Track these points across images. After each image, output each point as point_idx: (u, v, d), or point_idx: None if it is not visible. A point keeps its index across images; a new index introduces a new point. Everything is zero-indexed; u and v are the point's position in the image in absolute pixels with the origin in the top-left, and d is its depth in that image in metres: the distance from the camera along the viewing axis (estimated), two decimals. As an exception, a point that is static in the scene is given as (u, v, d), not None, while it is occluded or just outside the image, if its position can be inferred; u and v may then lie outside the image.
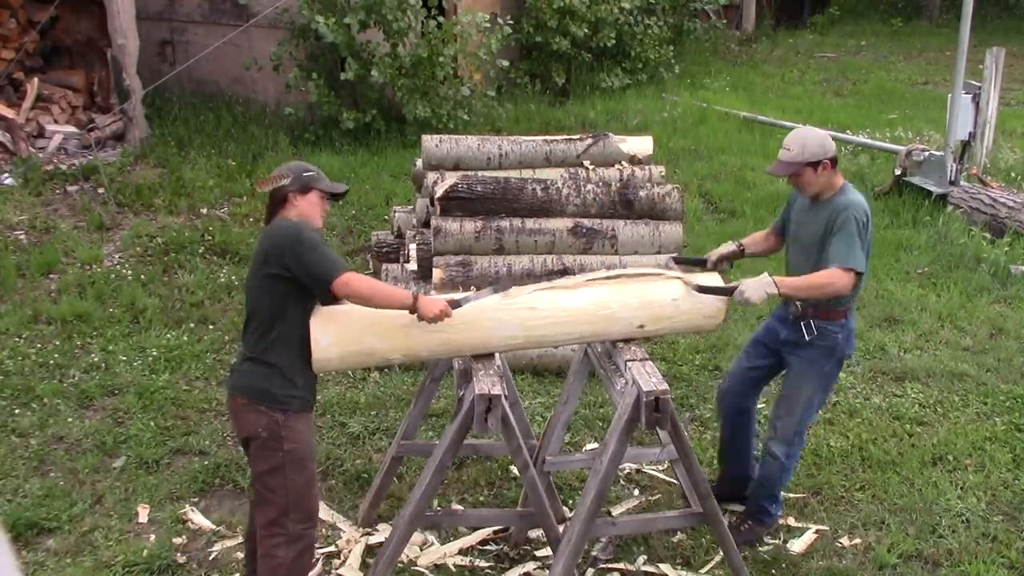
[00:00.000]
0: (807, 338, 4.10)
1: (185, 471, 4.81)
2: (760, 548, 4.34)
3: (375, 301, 3.47)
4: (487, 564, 4.23)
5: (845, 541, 4.40)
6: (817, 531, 4.45)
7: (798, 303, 4.08)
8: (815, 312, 4.09)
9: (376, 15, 9.53)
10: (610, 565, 4.22)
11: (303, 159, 9.38)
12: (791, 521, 4.54)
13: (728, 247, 4.33)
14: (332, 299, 3.50)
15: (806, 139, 4.02)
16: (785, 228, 4.34)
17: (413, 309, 3.47)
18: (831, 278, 3.88)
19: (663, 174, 6.72)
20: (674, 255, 4.22)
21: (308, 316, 3.49)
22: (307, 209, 3.59)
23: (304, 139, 9.96)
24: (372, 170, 9.26)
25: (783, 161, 4.04)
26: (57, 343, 6.09)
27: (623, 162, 6.61)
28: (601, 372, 3.94)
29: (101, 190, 8.45)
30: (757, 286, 3.82)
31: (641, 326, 3.80)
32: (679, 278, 3.88)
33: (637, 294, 3.80)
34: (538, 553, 4.28)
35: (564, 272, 5.89)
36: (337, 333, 3.48)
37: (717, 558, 4.22)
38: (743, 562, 3.97)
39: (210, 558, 4.21)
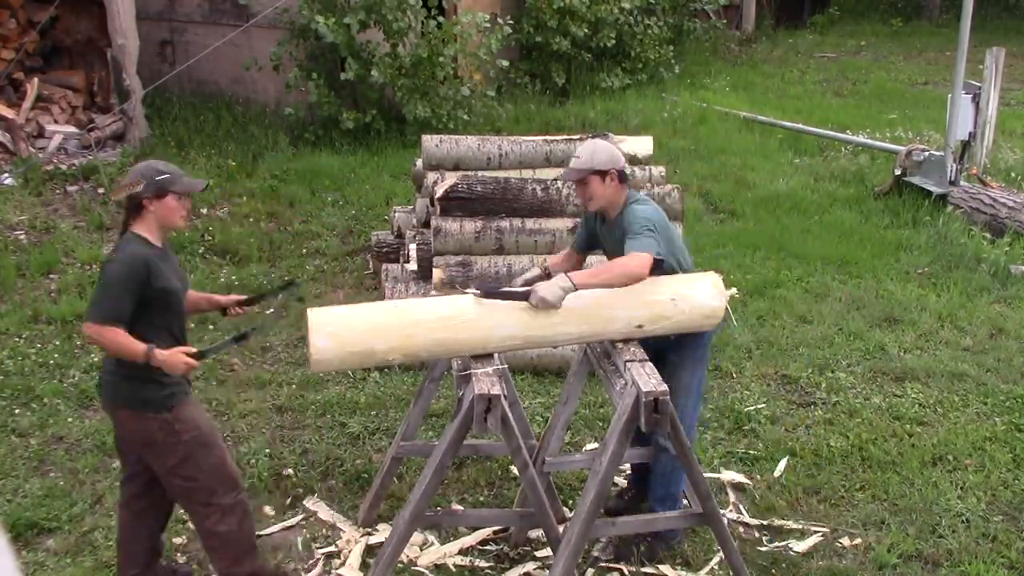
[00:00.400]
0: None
1: (185, 471, 4.80)
2: (761, 548, 4.34)
3: (109, 352, 3.48)
4: (487, 564, 4.23)
5: (845, 541, 4.40)
6: (822, 534, 4.44)
7: None
8: None
9: (376, 15, 9.53)
10: (610, 565, 4.22)
11: (303, 159, 9.40)
12: (792, 523, 4.54)
13: (533, 272, 4.26)
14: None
15: (596, 149, 4.02)
16: (588, 245, 4.30)
17: (146, 359, 3.40)
18: (623, 262, 3.75)
19: (663, 174, 6.73)
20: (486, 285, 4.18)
21: (158, 322, 3.49)
22: (164, 213, 3.55)
23: (304, 139, 9.96)
24: (372, 170, 9.26)
25: (572, 167, 4.04)
26: (57, 343, 6.09)
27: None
28: (601, 373, 3.94)
29: (101, 190, 8.45)
30: (550, 284, 3.69)
31: (640, 326, 3.81)
32: (470, 292, 3.75)
33: (636, 294, 3.81)
34: (538, 553, 4.28)
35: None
36: (336, 334, 3.48)
37: (717, 558, 4.22)
38: (743, 562, 3.97)
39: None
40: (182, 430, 3.54)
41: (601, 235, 4.21)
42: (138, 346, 3.41)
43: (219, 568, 3.74)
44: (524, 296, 3.71)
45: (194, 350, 3.54)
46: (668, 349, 4.10)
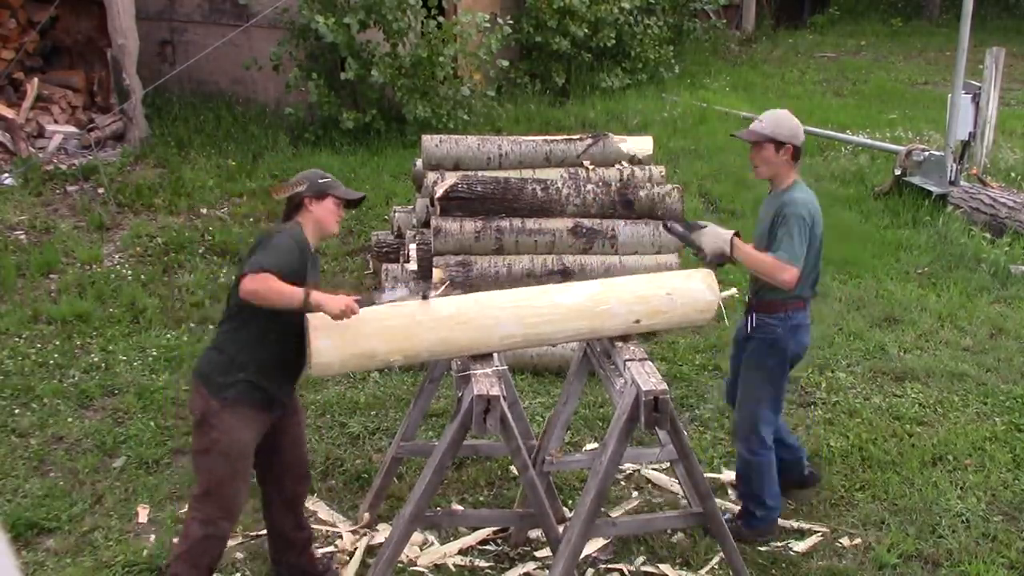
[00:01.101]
0: (748, 331, 4.19)
1: (185, 471, 4.80)
2: (761, 548, 4.34)
3: (269, 299, 3.38)
4: (487, 564, 4.23)
5: (845, 541, 4.40)
6: (822, 534, 4.44)
7: (748, 294, 4.21)
8: (757, 304, 4.17)
9: (376, 15, 9.53)
10: (610, 565, 4.22)
11: (303, 159, 9.40)
12: (793, 523, 4.54)
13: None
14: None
15: (780, 119, 4.13)
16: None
17: (305, 305, 3.39)
18: (776, 266, 3.94)
19: (663, 174, 6.73)
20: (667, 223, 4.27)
21: (267, 312, 3.45)
22: (322, 215, 3.66)
23: (304, 139, 9.96)
24: (372, 170, 9.26)
25: (752, 129, 4.14)
26: (57, 343, 6.09)
27: (623, 162, 6.61)
28: (601, 372, 3.95)
29: (101, 190, 8.45)
30: (714, 238, 3.94)
31: (637, 321, 3.82)
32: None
33: (633, 290, 3.83)
34: (538, 553, 4.28)
35: (564, 272, 5.89)
36: (337, 336, 3.47)
37: (717, 558, 4.22)
38: (743, 562, 3.97)
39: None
40: (216, 425, 3.54)
41: (762, 207, 4.31)
42: (295, 288, 3.40)
43: (175, 550, 3.74)
44: (693, 228, 4.02)
45: (359, 296, 3.55)
46: (744, 350, 4.26)
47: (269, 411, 3.66)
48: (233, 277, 3.68)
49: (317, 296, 3.40)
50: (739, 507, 4.51)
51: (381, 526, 4.43)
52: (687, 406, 5.53)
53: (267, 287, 3.36)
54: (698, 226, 4.07)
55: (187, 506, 3.73)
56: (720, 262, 4.05)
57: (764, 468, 4.30)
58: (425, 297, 3.65)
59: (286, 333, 3.55)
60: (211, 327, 6.34)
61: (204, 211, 8.26)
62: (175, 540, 3.81)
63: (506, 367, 3.89)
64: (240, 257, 7.42)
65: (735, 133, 4.36)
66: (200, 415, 3.58)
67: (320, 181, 3.68)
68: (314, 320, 3.48)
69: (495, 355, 3.77)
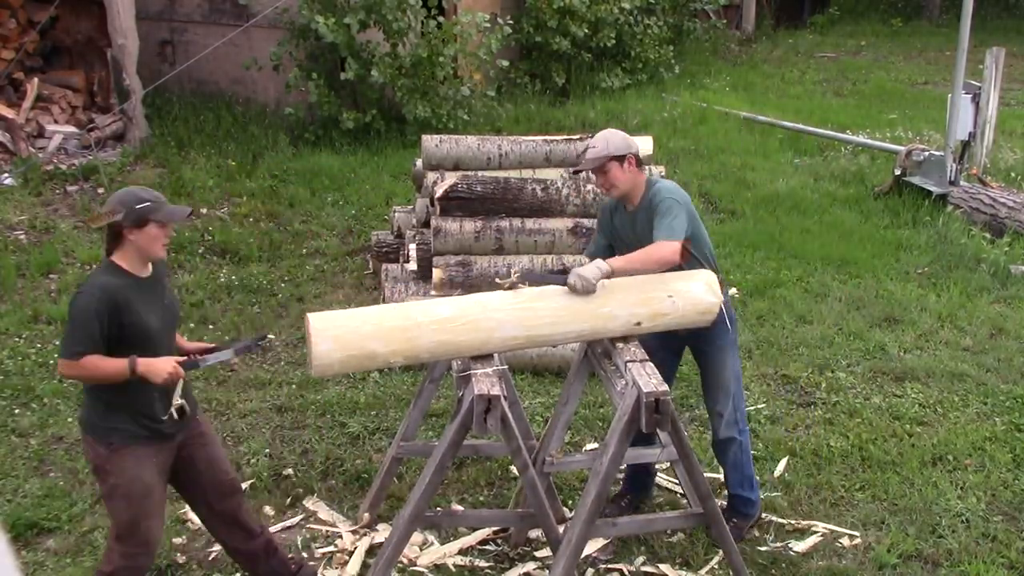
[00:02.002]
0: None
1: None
2: (761, 548, 4.34)
3: (95, 380, 3.35)
4: (487, 564, 4.23)
5: (845, 541, 4.40)
6: (823, 534, 4.44)
7: None
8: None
9: (376, 15, 9.53)
10: (610, 565, 4.22)
11: (303, 159, 9.40)
12: (793, 522, 4.54)
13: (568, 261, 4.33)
14: None
15: (609, 136, 4.08)
16: (608, 248, 4.26)
17: (132, 372, 3.31)
18: (655, 248, 3.85)
19: (663, 174, 6.73)
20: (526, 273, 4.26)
21: (135, 353, 3.35)
22: (145, 243, 3.41)
23: (304, 139, 9.97)
24: (372, 170, 9.26)
25: (589, 157, 4.08)
26: (57, 343, 6.08)
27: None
28: (601, 373, 3.95)
29: (101, 190, 8.45)
30: (589, 266, 3.79)
31: (639, 323, 3.82)
32: (513, 280, 3.88)
33: (634, 292, 3.82)
34: (538, 553, 4.28)
35: (564, 272, 5.89)
36: (337, 338, 3.47)
37: (717, 558, 4.23)
38: (743, 562, 3.97)
39: (210, 558, 4.22)
40: (111, 470, 3.44)
41: (621, 228, 4.21)
42: (117, 363, 3.30)
43: (101, 567, 3.65)
44: (562, 280, 3.79)
45: (183, 359, 3.44)
46: (699, 341, 4.21)
47: (162, 443, 3.54)
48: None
49: (141, 366, 3.31)
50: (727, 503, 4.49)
51: (381, 526, 4.43)
52: (687, 406, 5.53)
53: (86, 372, 3.32)
54: (562, 272, 3.91)
55: (108, 536, 3.65)
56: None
57: (748, 446, 4.39)
58: (239, 353, 3.57)
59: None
60: (211, 327, 6.36)
61: (204, 211, 8.26)
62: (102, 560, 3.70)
63: (506, 367, 3.89)
64: (240, 257, 7.44)
65: (576, 168, 4.33)
66: (93, 464, 3.50)
67: (138, 208, 3.36)
68: (315, 322, 3.48)
69: (495, 355, 3.77)
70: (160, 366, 3.35)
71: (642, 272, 3.88)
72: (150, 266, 3.51)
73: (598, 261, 3.82)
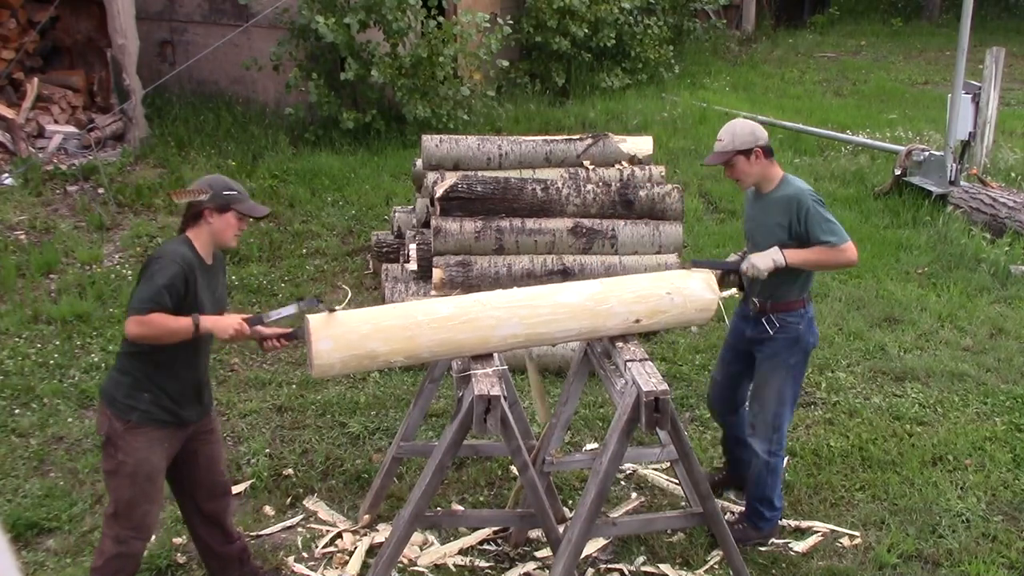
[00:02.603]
0: (770, 332, 4.14)
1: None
2: (761, 548, 4.34)
3: (161, 340, 3.37)
4: (487, 564, 4.23)
5: (845, 541, 4.40)
6: (823, 534, 4.44)
7: (755, 300, 4.16)
8: (773, 306, 4.15)
9: (376, 15, 9.53)
10: (610, 565, 4.22)
11: (303, 159, 9.40)
12: (792, 522, 4.54)
13: (733, 257, 4.35)
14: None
15: (736, 129, 4.11)
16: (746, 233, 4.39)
17: (197, 332, 3.36)
18: (839, 252, 3.99)
19: (663, 174, 6.73)
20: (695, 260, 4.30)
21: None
22: (221, 228, 3.51)
23: (304, 139, 9.96)
24: (372, 170, 9.26)
25: (716, 151, 4.12)
26: (57, 343, 6.09)
27: (623, 162, 6.61)
28: (601, 372, 3.95)
29: (101, 190, 8.45)
30: (764, 255, 3.94)
31: (637, 321, 3.82)
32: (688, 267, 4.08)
33: (633, 289, 3.83)
34: (538, 553, 4.28)
35: (564, 272, 5.89)
36: (338, 337, 3.47)
37: (717, 558, 4.23)
38: (743, 562, 3.97)
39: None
40: (122, 447, 3.46)
41: (749, 210, 4.29)
42: (182, 320, 3.35)
43: (93, 563, 3.68)
44: (735, 265, 4.00)
45: (248, 316, 3.49)
46: (761, 352, 4.24)
47: (177, 430, 3.57)
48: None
49: (207, 322, 3.38)
50: (742, 508, 4.50)
51: (381, 526, 4.43)
52: (687, 406, 5.53)
53: (153, 328, 3.34)
54: (735, 263, 4.12)
55: (102, 522, 3.66)
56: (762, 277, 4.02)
57: (779, 468, 4.34)
58: (302, 308, 3.54)
59: (188, 356, 3.50)
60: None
61: (204, 211, 8.25)
62: (95, 555, 3.70)
63: (506, 367, 3.89)
64: (240, 257, 7.43)
65: (705, 162, 4.40)
66: (106, 436, 3.50)
67: (225, 193, 3.47)
68: (315, 322, 3.48)
69: (495, 355, 3.77)
70: (226, 322, 3.42)
71: (817, 269, 4.11)
72: (213, 256, 3.58)
73: (775, 251, 3.96)
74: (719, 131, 4.17)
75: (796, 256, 3.96)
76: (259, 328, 3.57)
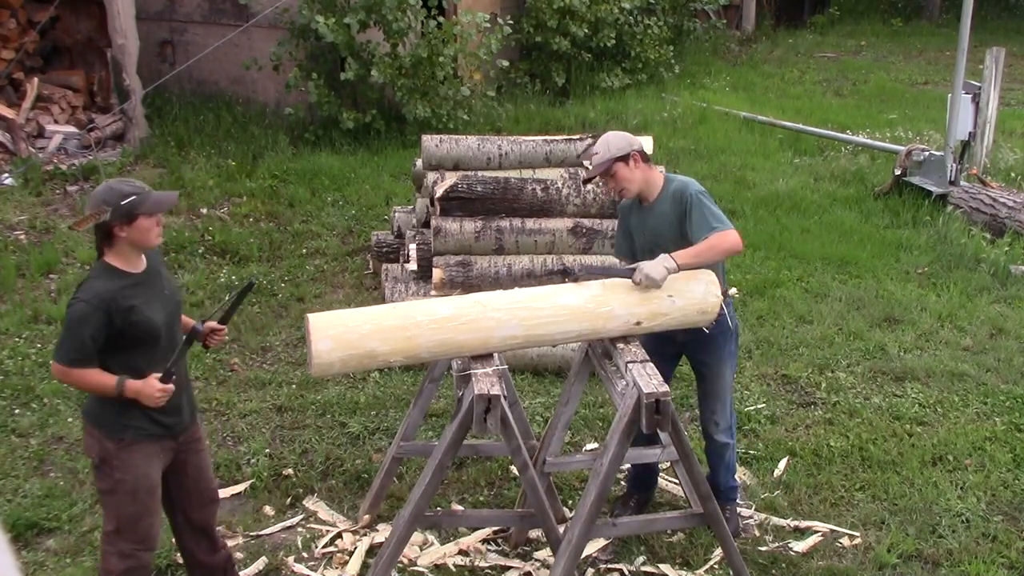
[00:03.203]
0: (707, 331, 4.05)
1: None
2: (761, 548, 4.34)
3: (85, 390, 3.37)
4: (487, 564, 4.23)
5: (845, 541, 4.40)
6: (823, 534, 4.44)
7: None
8: None
9: (376, 15, 9.53)
10: (610, 565, 4.22)
11: (303, 159, 9.40)
12: (792, 522, 4.54)
13: (621, 265, 4.30)
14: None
15: (609, 139, 4.08)
16: (631, 249, 4.26)
17: (120, 394, 3.30)
18: (718, 238, 3.86)
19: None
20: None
21: (133, 357, 3.35)
22: (137, 237, 3.32)
23: (304, 139, 9.96)
24: (372, 170, 9.26)
25: (594, 164, 4.07)
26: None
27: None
28: (602, 373, 3.95)
29: (101, 190, 8.44)
30: (655, 264, 3.78)
31: (638, 323, 3.82)
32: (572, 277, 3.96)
33: (635, 292, 3.82)
34: (538, 553, 4.28)
35: (565, 272, 5.89)
36: (337, 337, 3.47)
37: (716, 558, 4.23)
38: (743, 562, 3.97)
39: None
40: (118, 466, 3.41)
41: (638, 223, 4.20)
42: (108, 380, 3.27)
43: None
44: (628, 273, 3.82)
45: (160, 372, 3.35)
46: (704, 352, 4.21)
47: (169, 441, 3.53)
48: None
49: (130, 389, 3.30)
50: (743, 510, 4.52)
51: (381, 526, 4.43)
52: (687, 406, 5.52)
53: (75, 382, 3.31)
54: (628, 270, 3.90)
55: (101, 540, 3.60)
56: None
57: (734, 448, 4.51)
58: (233, 308, 3.52)
59: (140, 373, 3.40)
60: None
61: (204, 211, 8.26)
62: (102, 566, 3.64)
63: (506, 367, 3.89)
64: (240, 257, 7.43)
65: (586, 179, 4.36)
66: (99, 458, 3.43)
67: (123, 203, 3.25)
68: (314, 321, 3.48)
69: (495, 355, 3.77)
70: (148, 390, 3.31)
71: (707, 264, 3.91)
72: (144, 259, 3.44)
73: (663, 258, 3.79)
74: (593, 148, 4.12)
75: (685, 257, 3.84)
76: (198, 331, 3.50)
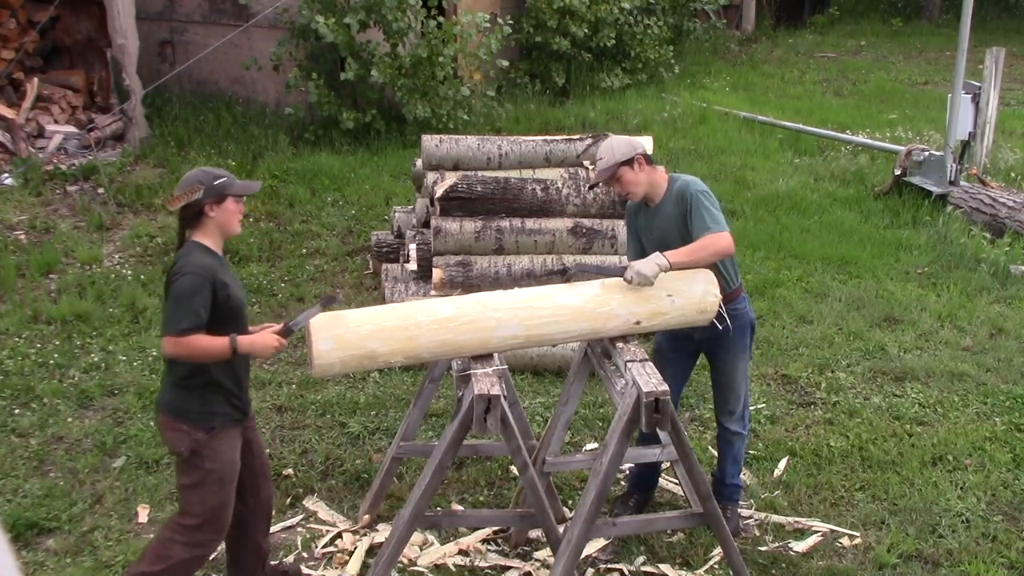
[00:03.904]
0: (724, 326, 4.07)
1: (185, 471, 4.81)
2: (761, 548, 4.34)
3: (197, 359, 3.39)
4: (487, 564, 4.23)
5: (845, 541, 4.40)
6: (823, 534, 4.44)
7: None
8: (722, 301, 4.11)
9: (376, 15, 9.53)
10: (610, 565, 4.22)
11: (303, 159, 9.40)
12: (792, 520, 4.54)
13: (616, 263, 4.35)
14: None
15: (613, 144, 4.10)
16: (642, 251, 4.24)
17: (234, 353, 3.38)
18: (710, 239, 3.90)
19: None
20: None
21: (231, 326, 3.44)
22: (225, 218, 3.49)
23: (304, 139, 9.96)
24: (372, 170, 9.26)
25: (599, 169, 4.10)
26: (57, 343, 6.09)
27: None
28: (601, 373, 3.95)
29: (101, 190, 8.45)
30: (647, 261, 3.81)
31: (638, 322, 3.83)
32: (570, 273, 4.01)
33: (634, 291, 3.82)
34: (538, 553, 4.28)
35: (564, 272, 5.89)
36: (338, 338, 3.47)
37: (716, 558, 4.23)
38: (743, 562, 3.97)
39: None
40: (208, 455, 3.47)
41: (645, 225, 4.22)
42: (219, 341, 3.36)
43: (136, 567, 3.64)
44: (620, 272, 3.85)
45: (279, 326, 3.49)
46: (720, 347, 4.24)
47: (242, 424, 3.62)
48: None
49: (243, 343, 3.39)
50: (743, 510, 4.52)
51: (381, 526, 4.43)
52: (687, 406, 5.53)
53: (189, 350, 3.34)
54: (620, 269, 3.96)
55: (166, 528, 3.63)
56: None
57: (744, 441, 4.54)
58: (323, 307, 3.53)
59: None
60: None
61: (204, 211, 8.25)
62: (148, 553, 3.65)
63: (506, 367, 3.89)
64: (240, 257, 7.43)
65: (591, 182, 4.38)
66: (189, 450, 3.47)
67: (216, 183, 3.44)
68: (315, 322, 3.48)
69: (495, 355, 3.77)
70: (265, 341, 3.43)
71: (699, 264, 3.92)
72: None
73: (656, 256, 3.83)
74: (597, 153, 4.14)
75: (677, 256, 3.86)
76: (334, 298, 3.65)
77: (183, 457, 3.50)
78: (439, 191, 5.98)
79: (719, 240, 3.90)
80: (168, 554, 3.56)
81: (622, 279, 3.81)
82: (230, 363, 3.47)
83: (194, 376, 3.46)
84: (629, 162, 4.04)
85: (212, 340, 3.36)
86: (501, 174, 6.32)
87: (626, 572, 4.19)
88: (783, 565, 4.23)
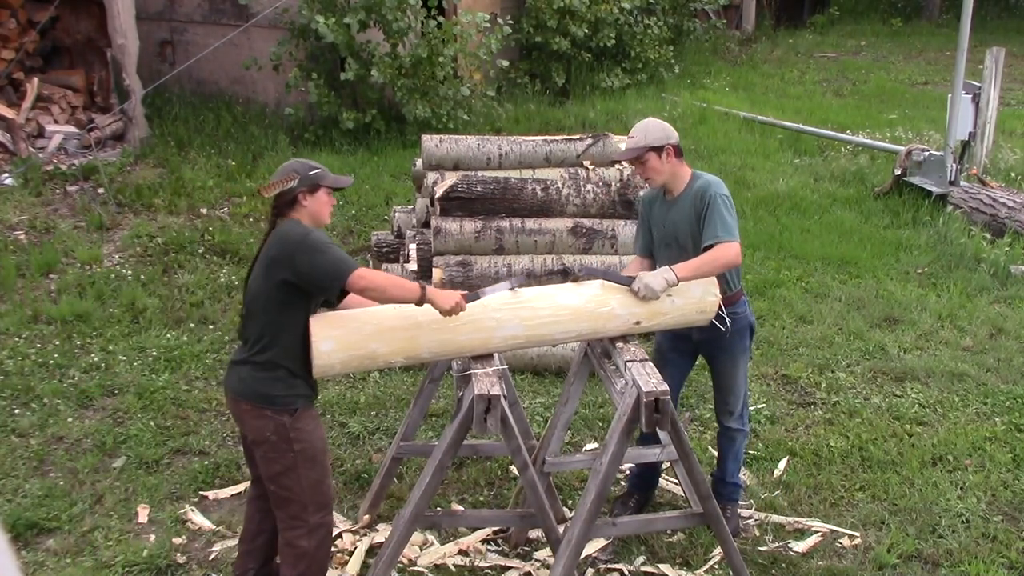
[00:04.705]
0: (723, 329, 4.09)
1: (185, 471, 4.81)
2: (761, 548, 4.34)
3: (389, 293, 3.47)
4: (487, 564, 4.23)
5: (845, 541, 4.40)
6: (823, 534, 4.44)
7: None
8: (722, 304, 4.12)
9: (376, 15, 9.53)
10: (610, 565, 4.22)
11: (303, 159, 9.40)
12: (792, 520, 4.54)
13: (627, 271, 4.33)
14: (339, 299, 3.57)
15: (649, 126, 4.07)
16: (651, 244, 4.28)
17: (422, 301, 3.47)
18: (720, 251, 3.89)
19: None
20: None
21: (308, 318, 3.49)
22: (317, 208, 3.58)
23: (304, 139, 9.97)
24: (372, 170, 9.26)
25: (628, 147, 4.08)
26: (57, 343, 6.09)
27: (623, 162, 6.60)
28: (601, 373, 3.95)
29: (101, 190, 8.45)
30: (656, 275, 3.83)
31: (638, 322, 3.83)
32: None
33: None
34: (538, 553, 4.28)
35: (564, 272, 5.89)
36: (339, 338, 3.47)
37: (716, 558, 4.23)
38: (743, 562, 3.97)
39: (210, 558, 4.21)
40: (295, 438, 3.50)
41: (659, 215, 4.19)
42: (414, 284, 3.47)
43: (285, 574, 3.69)
44: (628, 282, 3.85)
45: (465, 292, 3.59)
46: (719, 349, 4.23)
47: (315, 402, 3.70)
48: (247, 287, 3.59)
49: (432, 292, 3.49)
50: (744, 510, 4.52)
51: (381, 526, 4.43)
52: (687, 406, 5.53)
53: (388, 282, 3.46)
54: (628, 279, 3.93)
55: (280, 537, 3.65)
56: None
57: (745, 438, 4.55)
58: (513, 286, 3.70)
59: (307, 341, 3.53)
60: (211, 327, 6.34)
61: (204, 211, 8.26)
62: (283, 566, 3.67)
63: (506, 367, 3.89)
64: (241, 257, 7.43)
65: (617, 157, 4.34)
66: (276, 436, 3.49)
67: (311, 173, 3.56)
68: (315, 322, 3.48)
69: (495, 355, 3.77)
70: (447, 295, 3.52)
71: (708, 276, 3.92)
72: None
73: (664, 270, 3.83)
74: (632, 129, 4.12)
75: (686, 270, 3.86)
76: (571, 271, 3.76)
77: (270, 443, 3.51)
78: (439, 191, 5.98)
79: (727, 251, 3.89)
80: (299, 553, 3.60)
81: (629, 289, 3.82)
82: (305, 348, 3.49)
83: (277, 364, 3.48)
84: (658, 149, 4.02)
85: (407, 281, 3.50)
86: (501, 174, 6.31)
87: (626, 572, 4.19)
88: (783, 565, 4.23)
